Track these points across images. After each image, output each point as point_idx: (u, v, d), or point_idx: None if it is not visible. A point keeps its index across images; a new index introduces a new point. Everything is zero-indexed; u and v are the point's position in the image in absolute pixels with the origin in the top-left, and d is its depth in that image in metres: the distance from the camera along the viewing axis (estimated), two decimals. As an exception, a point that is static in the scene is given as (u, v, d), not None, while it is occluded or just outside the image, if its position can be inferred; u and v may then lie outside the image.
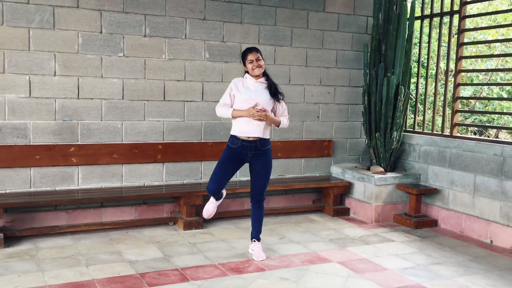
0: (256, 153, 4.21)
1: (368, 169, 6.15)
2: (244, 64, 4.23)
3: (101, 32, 5.05)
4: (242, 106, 4.15)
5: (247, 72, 4.26)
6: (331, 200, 6.05)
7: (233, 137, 4.22)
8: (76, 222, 5.09)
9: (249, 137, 4.17)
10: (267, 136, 4.25)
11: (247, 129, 4.15)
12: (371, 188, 5.75)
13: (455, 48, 5.71)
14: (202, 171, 5.66)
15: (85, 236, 4.90)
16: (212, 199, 4.44)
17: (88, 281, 3.78)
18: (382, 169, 5.93)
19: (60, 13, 4.86)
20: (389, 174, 5.88)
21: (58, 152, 4.98)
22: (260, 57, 4.19)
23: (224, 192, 4.50)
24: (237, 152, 4.21)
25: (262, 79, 4.26)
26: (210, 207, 4.46)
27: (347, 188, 6.05)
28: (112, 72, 5.14)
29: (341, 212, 6.03)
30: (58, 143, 4.99)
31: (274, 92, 4.24)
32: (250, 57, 4.16)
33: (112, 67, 5.13)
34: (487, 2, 7.95)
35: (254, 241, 4.45)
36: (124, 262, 4.20)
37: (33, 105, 4.86)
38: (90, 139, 5.12)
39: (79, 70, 4.99)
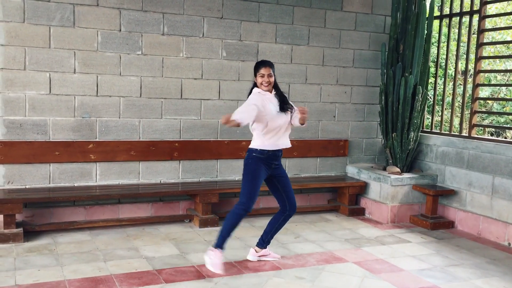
0: (278, 162, 4.19)
1: (384, 169, 6.13)
2: (255, 76, 4.12)
3: (120, 30, 5.09)
4: (272, 123, 4.04)
5: (255, 84, 4.16)
6: (346, 200, 6.04)
7: (262, 150, 4.08)
8: (94, 218, 5.14)
9: (279, 148, 4.15)
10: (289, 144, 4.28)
11: (281, 142, 4.13)
12: (387, 188, 5.72)
13: (474, 48, 5.65)
14: (218, 169, 5.68)
15: (102, 231, 4.95)
16: (217, 252, 3.98)
17: (106, 276, 3.82)
18: (398, 170, 5.90)
19: (80, 11, 4.91)
20: (406, 175, 5.85)
21: (77, 148, 5.03)
22: (272, 73, 4.08)
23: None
24: (266, 161, 4.09)
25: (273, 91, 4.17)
26: (219, 262, 3.96)
27: (362, 188, 6.03)
28: (130, 70, 5.18)
29: (357, 212, 6.01)
30: (77, 140, 5.04)
31: (281, 105, 4.14)
32: (263, 71, 4.05)
33: (130, 65, 5.17)
34: (506, 2, 7.86)
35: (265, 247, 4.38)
36: (141, 258, 4.24)
37: (53, 102, 4.92)
38: (108, 136, 5.16)
39: (98, 67, 5.04)
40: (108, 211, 5.23)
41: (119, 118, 5.19)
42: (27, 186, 4.90)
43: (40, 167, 4.93)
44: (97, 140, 5.11)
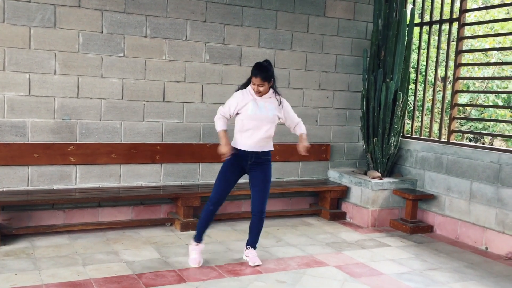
0: (256, 161, 4.19)
1: (365, 174, 6.17)
2: (251, 77, 4.15)
3: (102, 32, 5.05)
4: (247, 122, 4.13)
5: (249, 80, 4.22)
6: (328, 204, 6.06)
7: (234, 147, 4.20)
8: (73, 222, 5.08)
9: (250, 150, 4.17)
10: (270, 148, 4.27)
11: (250, 142, 4.15)
12: (368, 192, 5.76)
13: (454, 55, 5.73)
14: (200, 173, 5.66)
15: (82, 235, 4.89)
16: (194, 246, 4.29)
17: (85, 281, 3.78)
18: (379, 174, 5.96)
19: (61, 12, 4.86)
20: (386, 179, 5.90)
21: (57, 151, 4.97)
22: (264, 84, 4.08)
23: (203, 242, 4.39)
24: (239, 158, 4.18)
25: (269, 94, 4.21)
26: (197, 256, 4.26)
27: (344, 192, 6.06)
28: (112, 72, 5.14)
29: (338, 216, 6.04)
30: (56, 142, 4.98)
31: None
32: (254, 80, 4.08)
33: (112, 67, 5.13)
34: (485, 10, 8.01)
35: (249, 247, 4.40)
36: (121, 262, 4.20)
37: (32, 104, 4.85)
38: (89, 139, 5.11)
39: (79, 69, 4.99)
40: (88, 215, 5.17)
41: (100, 120, 5.14)
42: (4, 189, 4.83)
43: (18, 169, 4.86)
44: (77, 142, 5.06)
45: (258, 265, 4.29)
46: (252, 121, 4.12)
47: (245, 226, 5.42)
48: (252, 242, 4.39)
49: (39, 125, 4.90)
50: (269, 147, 4.26)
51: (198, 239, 4.31)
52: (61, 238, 4.78)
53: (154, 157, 5.40)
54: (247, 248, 4.41)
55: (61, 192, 4.92)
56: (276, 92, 4.27)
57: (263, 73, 4.07)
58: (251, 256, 4.36)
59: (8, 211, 4.84)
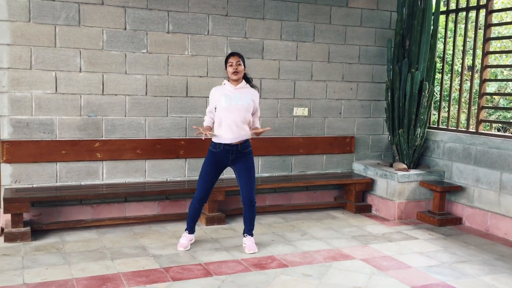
0: (237, 156, 4.36)
1: (391, 166, 6.09)
2: (225, 67, 4.39)
3: (125, 28, 5.09)
4: (223, 115, 4.29)
5: (227, 78, 4.41)
6: (353, 197, 6.01)
7: (215, 143, 4.37)
8: (100, 217, 5.15)
9: (231, 142, 4.33)
10: (248, 137, 4.42)
11: (231, 136, 4.30)
12: (394, 185, 5.69)
13: (481, 43, 5.61)
14: (224, 167, 5.67)
15: (109, 230, 4.95)
16: (185, 234, 4.54)
17: (113, 275, 3.82)
18: (405, 166, 5.87)
19: (85, 10, 4.91)
20: (413, 171, 5.81)
21: (83, 147, 5.03)
22: (241, 62, 4.33)
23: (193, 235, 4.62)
24: (219, 156, 4.36)
25: (242, 84, 4.38)
26: (185, 241, 4.51)
27: (369, 185, 6.00)
28: (135, 69, 5.17)
29: (363, 209, 5.99)
30: (83, 139, 5.04)
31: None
32: (231, 59, 4.31)
33: (135, 64, 5.16)
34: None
35: (246, 235, 4.54)
36: (148, 256, 4.23)
37: (59, 101, 4.92)
38: (114, 135, 5.16)
39: (103, 66, 5.04)
40: (115, 210, 5.23)
41: (125, 116, 5.19)
42: (34, 185, 4.91)
43: (47, 166, 4.94)
44: (103, 138, 5.11)
45: (254, 253, 4.41)
46: (228, 113, 4.28)
47: (270, 219, 5.51)
48: (248, 230, 4.53)
49: (66, 122, 4.97)
50: (248, 135, 4.40)
51: (190, 230, 4.55)
52: (89, 232, 4.85)
53: (178, 152, 5.42)
54: (244, 236, 4.55)
55: (88, 188, 4.98)
56: (250, 83, 4.46)
57: (237, 53, 4.40)
58: (248, 243, 4.48)
59: (38, 207, 4.93)
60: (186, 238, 4.52)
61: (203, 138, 4.40)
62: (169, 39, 5.27)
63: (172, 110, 5.38)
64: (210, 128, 4.37)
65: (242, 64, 4.34)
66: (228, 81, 4.39)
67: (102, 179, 5.17)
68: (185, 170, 5.50)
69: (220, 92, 4.36)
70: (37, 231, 4.73)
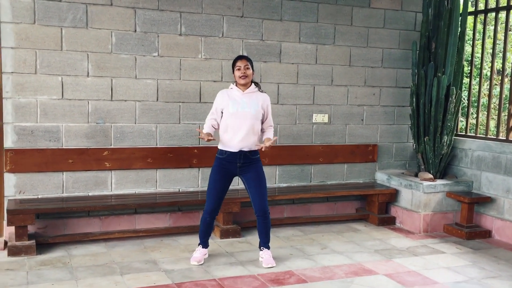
0: (245, 162, 4.24)
1: (416, 175, 5.97)
2: (233, 71, 4.30)
3: (135, 30, 4.98)
4: (230, 122, 4.19)
5: (234, 82, 4.32)
6: (375, 208, 5.88)
7: (221, 150, 4.30)
8: (109, 229, 5.04)
9: (237, 151, 4.23)
10: (254, 148, 4.28)
11: (234, 144, 4.20)
12: (419, 196, 5.54)
13: (511, 46, 5.51)
14: (239, 177, 5.49)
15: (118, 243, 4.85)
16: (199, 248, 4.43)
17: (122, 292, 3.72)
18: (431, 176, 5.74)
19: (93, 11, 4.81)
20: (439, 181, 5.68)
21: (91, 156, 4.93)
22: (249, 66, 4.24)
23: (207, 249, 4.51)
24: (226, 163, 4.25)
25: (251, 89, 4.27)
26: (198, 255, 4.39)
27: (393, 195, 5.88)
28: (146, 73, 5.07)
29: (387, 221, 5.86)
30: (91, 147, 4.94)
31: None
32: (239, 63, 4.22)
33: (146, 68, 5.06)
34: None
35: (263, 249, 4.42)
36: (159, 271, 4.13)
37: (65, 107, 4.82)
38: (124, 143, 5.05)
39: (112, 70, 4.94)
40: (125, 222, 5.10)
41: (135, 123, 5.07)
42: (39, 196, 4.81)
43: (53, 175, 4.83)
44: (112, 147, 5.00)
45: (272, 267, 4.30)
46: (235, 119, 4.18)
47: (288, 232, 5.42)
48: (264, 243, 4.42)
49: (73, 130, 4.87)
50: (254, 146, 4.27)
51: (203, 245, 4.45)
52: (97, 246, 4.75)
53: (191, 161, 5.29)
54: (261, 249, 4.43)
55: (96, 199, 4.88)
56: (258, 87, 4.36)
57: (245, 56, 4.38)
58: (265, 257, 4.36)
59: (44, 219, 4.83)
60: (199, 252, 4.40)
61: (205, 140, 4.17)
62: (182, 42, 5.15)
63: (184, 117, 5.25)
64: (210, 135, 4.18)
65: (251, 68, 4.25)
66: (236, 85, 4.29)
67: (111, 190, 5.06)
68: (198, 180, 5.36)
69: (228, 96, 4.26)
70: (43, 245, 4.63)
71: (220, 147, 4.28)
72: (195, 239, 4.98)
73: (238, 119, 4.16)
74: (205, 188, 5.29)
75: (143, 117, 5.09)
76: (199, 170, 5.35)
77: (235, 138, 4.17)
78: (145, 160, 5.10)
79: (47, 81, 4.72)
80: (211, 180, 4.30)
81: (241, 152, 4.20)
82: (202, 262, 4.34)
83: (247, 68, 4.20)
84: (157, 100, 5.12)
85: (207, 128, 4.25)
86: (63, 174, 4.85)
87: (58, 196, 4.85)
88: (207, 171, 5.33)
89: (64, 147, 4.83)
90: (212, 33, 5.25)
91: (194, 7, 5.14)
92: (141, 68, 5.03)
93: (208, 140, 4.10)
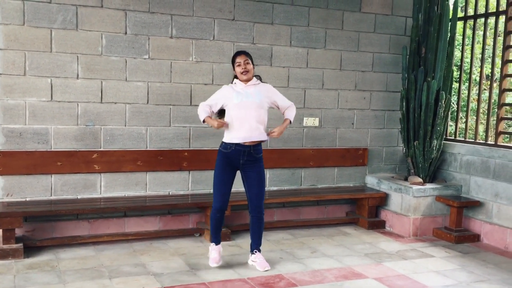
0: (248, 159, 4.21)
1: (406, 179, 5.97)
2: (233, 66, 4.30)
3: (126, 33, 4.96)
4: (235, 113, 4.17)
5: (235, 77, 4.32)
6: (365, 212, 5.89)
7: (226, 143, 4.25)
8: (98, 232, 5.01)
9: (244, 142, 4.19)
10: (263, 138, 4.26)
11: (241, 135, 4.17)
12: (409, 199, 5.55)
13: (500, 51, 5.51)
14: (230, 180, 5.48)
15: (107, 247, 4.82)
16: (212, 246, 4.41)
17: (111, 296, 3.69)
18: (420, 180, 5.75)
19: (83, 13, 4.79)
20: (428, 185, 5.70)
21: (80, 158, 4.90)
22: (249, 61, 4.24)
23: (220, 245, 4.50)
24: (230, 157, 4.22)
25: (253, 81, 4.28)
26: (215, 255, 4.37)
27: (383, 199, 5.88)
28: (136, 75, 5.04)
29: (377, 225, 5.87)
30: (80, 149, 4.91)
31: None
32: (239, 59, 4.21)
33: (136, 70, 5.04)
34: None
35: (255, 252, 4.41)
36: (148, 275, 4.10)
37: (54, 109, 4.79)
38: (113, 145, 5.02)
39: (102, 73, 4.91)
40: (114, 225, 5.07)
41: (125, 126, 5.05)
42: (27, 199, 4.77)
43: (41, 178, 4.79)
44: (101, 149, 4.97)
45: (268, 270, 4.30)
46: (240, 110, 4.15)
47: (278, 236, 5.41)
48: (257, 245, 4.41)
49: (62, 132, 4.83)
50: (263, 136, 4.25)
51: (216, 242, 4.43)
52: (86, 249, 4.72)
53: (182, 164, 5.27)
54: (253, 253, 4.41)
55: (85, 202, 4.85)
56: (260, 79, 4.37)
57: (244, 51, 4.31)
58: (259, 261, 4.35)
59: (31, 222, 4.78)
60: (215, 251, 4.38)
61: (222, 126, 4.16)
62: (172, 44, 5.13)
63: (175, 120, 5.23)
64: (223, 121, 4.20)
65: (251, 63, 4.24)
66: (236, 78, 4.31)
67: (100, 193, 5.02)
68: (188, 183, 5.34)
69: (232, 89, 4.24)
70: (30, 248, 4.60)
71: (225, 140, 4.24)
72: (185, 242, 5.03)
73: (243, 109, 4.13)
74: (196, 191, 5.35)
75: (133, 119, 5.06)
76: (189, 173, 5.33)
77: (241, 128, 4.15)
78: (135, 163, 5.08)
79: (36, 83, 4.68)
80: (216, 175, 4.27)
81: (245, 147, 4.17)
82: (221, 262, 4.36)
83: (247, 63, 4.19)
84: (148, 102, 5.10)
85: (204, 113, 4.20)
86: (51, 176, 4.82)
87: (46, 199, 4.81)
88: (198, 174, 5.36)
89: (53, 150, 4.79)
90: (203, 36, 5.24)
91: (185, 9, 5.13)
92: (132, 70, 5.00)
93: (222, 125, 4.12)
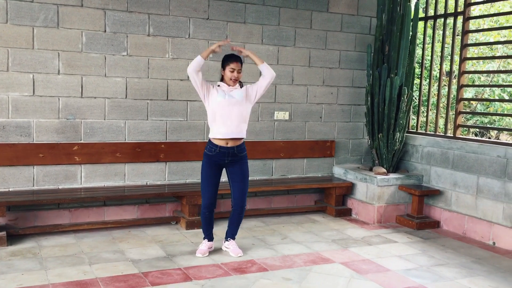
0: (233, 159, 4.28)
1: (371, 170, 6.14)
2: (223, 68, 4.23)
3: (105, 31, 5.04)
4: (218, 110, 4.18)
5: (222, 78, 4.30)
6: (333, 200, 6.04)
7: (211, 144, 4.27)
8: (79, 221, 5.09)
9: (227, 143, 4.23)
10: (243, 135, 4.30)
11: (225, 130, 4.19)
12: (374, 189, 5.73)
13: (458, 50, 5.69)
14: (205, 171, 5.64)
15: (87, 234, 4.89)
16: (204, 241, 4.48)
17: (91, 280, 3.78)
18: (384, 170, 5.92)
19: (64, 11, 4.85)
20: (392, 175, 5.87)
21: (61, 150, 4.97)
22: (241, 69, 4.24)
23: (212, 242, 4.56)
24: (215, 159, 4.27)
25: (237, 86, 4.30)
26: (204, 247, 4.46)
27: (349, 188, 6.04)
28: (115, 71, 5.13)
29: (343, 213, 6.02)
30: (61, 142, 4.98)
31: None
32: (233, 66, 4.18)
33: (115, 66, 5.12)
34: (490, 3, 7.94)
35: (229, 239, 4.51)
36: (127, 261, 4.20)
37: (36, 104, 4.85)
38: (93, 138, 5.11)
39: (82, 69, 4.99)
40: (94, 214, 5.17)
41: (104, 119, 5.14)
42: (10, 189, 4.83)
43: (24, 169, 4.86)
44: (82, 142, 5.06)
45: (241, 256, 4.41)
46: (222, 107, 4.17)
47: (251, 223, 5.50)
48: (232, 234, 4.51)
49: (44, 125, 4.90)
50: (243, 134, 4.29)
51: (208, 238, 4.49)
52: (67, 237, 4.78)
53: (159, 156, 5.39)
54: (227, 240, 4.51)
55: (66, 192, 4.92)
56: (241, 84, 4.37)
57: (238, 57, 4.24)
58: (232, 248, 4.46)
59: (14, 211, 4.85)
60: (205, 245, 4.47)
61: (214, 48, 4.18)
62: (150, 42, 5.24)
63: (152, 114, 5.34)
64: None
65: (241, 71, 4.26)
66: (222, 81, 4.30)
67: (81, 183, 5.11)
68: (165, 174, 5.47)
69: (216, 87, 4.25)
70: (13, 236, 4.66)
71: (210, 136, 4.25)
72: (162, 230, 5.11)
73: (226, 106, 4.15)
74: (172, 182, 5.45)
75: (112, 113, 5.15)
76: (166, 164, 5.45)
77: (224, 126, 4.17)
78: (114, 154, 5.16)
79: (19, 78, 4.74)
80: (203, 175, 4.30)
81: (229, 149, 4.21)
82: (207, 254, 4.41)
83: (239, 72, 4.20)
84: (126, 97, 5.18)
85: (198, 56, 4.16)
86: (33, 168, 4.89)
87: (29, 189, 4.87)
88: (174, 165, 5.48)
89: (35, 142, 4.85)
90: (179, 34, 5.35)
91: (162, 9, 5.23)
92: (111, 66, 5.08)
93: (219, 46, 4.16)
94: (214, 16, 5.50)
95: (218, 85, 4.27)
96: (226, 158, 4.26)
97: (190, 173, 5.58)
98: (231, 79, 4.20)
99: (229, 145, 4.23)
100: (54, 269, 3.96)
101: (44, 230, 4.83)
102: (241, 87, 4.31)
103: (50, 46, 4.84)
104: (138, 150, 5.29)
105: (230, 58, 4.20)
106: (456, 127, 5.67)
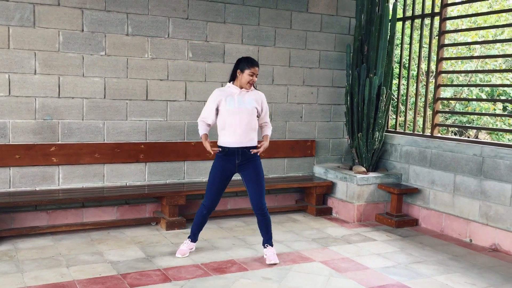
0: (244, 159, 4.20)
1: (351, 169, 6.19)
2: (242, 71, 4.15)
3: (83, 30, 5.00)
4: (228, 118, 4.14)
5: (231, 80, 4.25)
6: (313, 199, 6.07)
7: (221, 146, 4.23)
8: (56, 223, 5.03)
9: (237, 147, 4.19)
10: (254, 143, 4.26)
11: (232, 139, 4.16)
12: (353, 188, 5.78)
13: (436, 50, 5.76)
14: (185, 171, 5.64)
15: (65, 236, 4.84)
16: (187, 241, 4.45)
17: (68, 282, 3.74)
18: (364, 169, 5.97)
19: (40, 10, 4.80)
20: (371, 174, 5.92)
21: (38, 151, 4.91)
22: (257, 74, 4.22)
23: (195, 243, 4.53)
24: (225, 160, 4.21)
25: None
26: (185, 248, 4.43)
27: (329, 188, 6.07)
28: (93, 71, 5.09)
29: (324, 212, 6.05)
30: (38, 143, 4.92)
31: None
32: (253, 70, 4.13)
33: (93, 66, 5.08)
34: (467, 4, 8.07)
35: (267, 246, 4.39)
36: (105, 263, 4.17)
37: (12, 104, 4.79)
38: (71, 139, 5.06)
39: (60, 68, 4.94)
40: (72, 215, 5.12)
41: (83, 120, 5.09)
42: None
43: (0, 171, 4.79)
44: (59, 142, 5.00)
45: (275, 264, 4.27)
46: (232, 115, 4.13)
47: (231, 223, 5.50)
48: (266, 240, 4.38)
49: (20, 126, 4.84)
50: (254, 142, 4.25)
51: (193, 238, 4.47)
52: (44, 239, 4.73)
53: (138, 156, 5.36)
54: (265, 246, 4.40)
55: (44, 193, 4.86)
56: (254, 86, 4.34)
57: (258, 63, 4.20)
58: (268, 254, 4.35)
59: None
60: (186, 245, 4.43)
61: (212, 153, 4.21)
62: (129, 42, 5.21)
63: (131, 114, 5.31)
64: (207, 137, 4.20)
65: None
66: (233, 83, 4.24)
67: (58, 184, 5.05)
68: (145, 175, 5.44)
69: (224, 93, 4.18)
70: None
71: (219, 143, 4.21)
72: (142, 231, 5.08)
73: (235, 115, 4.10)
74: (152, 182, 5.42)
75: (90, 113, 5.10)
76: (145, 164, 5.42)
77: (234, 135, 4.12)
78: (92, 155, 5.12)
79: None
80: (211, 177, 4.26)
81: (239, 149, 4.15)
82: (187, 255, 4.37)
83: (256, 76, 4.17)
84: (105, 97, 5.14)
85: (203, 130, 4.20)
86: (10, 169, 4.82)
87: (5, 191, 4.81)
88: (154, 166, 5.45)
89: (11, 143, 4.79)
90: (158, 33, 5.32)
91: (140, 8, 5.20)
92: (89, 66, 5.04)
93: (215, 149, 4.13)
94: (193, 15, 5.48)
95: (228, 87, 4.22)
96: (237, 159, 4.17)
97: (170, 173, 5.56)
98: (248, 83, 4.15)
99: (238, 146, 4.17)
100: (31, 272, 3.92)
101: (21, 233, 4.77)
102: (255, 89, 4.31)
103: (26, 46, 4.78)
104: (117, 151, 5.25)
105: (252, 63, 4.15)
106: (433, 126, 5.73)
